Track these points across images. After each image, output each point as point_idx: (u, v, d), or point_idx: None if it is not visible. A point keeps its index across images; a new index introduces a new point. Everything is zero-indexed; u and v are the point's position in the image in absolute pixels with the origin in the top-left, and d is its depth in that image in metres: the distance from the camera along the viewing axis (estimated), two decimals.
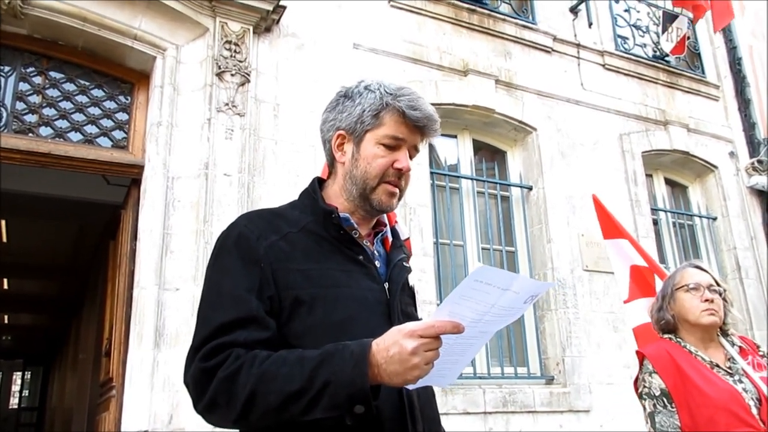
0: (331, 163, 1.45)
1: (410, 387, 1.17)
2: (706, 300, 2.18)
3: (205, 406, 1.16)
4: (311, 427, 1.15)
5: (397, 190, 1.38)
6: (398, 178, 1.37)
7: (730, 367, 2.12)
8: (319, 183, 1.46)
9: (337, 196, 1.41)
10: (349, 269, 1.31)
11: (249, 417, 1.12)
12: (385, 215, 1.48)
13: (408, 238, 1.58)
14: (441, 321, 1.09)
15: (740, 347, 2.21)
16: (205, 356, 1.16)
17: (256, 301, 1.21)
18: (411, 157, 1.39)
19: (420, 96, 1.39)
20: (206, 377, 1.15)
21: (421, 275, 4.47)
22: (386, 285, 1.35)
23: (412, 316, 1.40)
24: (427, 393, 1.37)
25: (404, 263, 1.43)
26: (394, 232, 1.50)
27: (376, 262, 1.38)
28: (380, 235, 1.46)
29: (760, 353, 2.22)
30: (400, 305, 1.34)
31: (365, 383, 1.08)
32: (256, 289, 1.22)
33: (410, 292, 1.45)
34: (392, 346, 1.08)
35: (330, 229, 1.34)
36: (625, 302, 3.62)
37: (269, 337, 1.20)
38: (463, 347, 1.17)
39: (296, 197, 1.47)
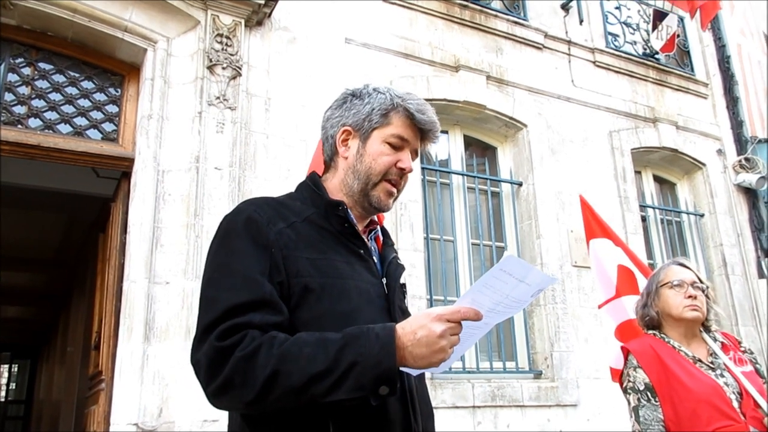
0: (331, 158, 1.47)
1: (414, 373, 1.21)
2: (690, 296, 2.23)
3: (218, 387, 1.13)
4: (322, 414, 1.16)
5: (395, 191, 1.42)
6: (399, 177, 1.41)
7: (712, 362, 2.16)
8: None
9: (336, 190, 1.43)
10: (351, 262, 1.33)
11: (267, 398, 1.11)
12: (376, 215, 1.51)
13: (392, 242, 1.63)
14: (466, 307, 1.13)
15: (722, 343, 2.25)
16: (221, 336, 1.14)
17: (268, 284, 1.21)
18: (411, 160, 1.44)
19: (426, 102, 1.44)
20: (222, 357, 1.12)
21: (412, 270, 4.49)
22: (384, 280, 1.38)
23: (406, 312, 1.44)
24: (423, 388, 1.40)
25: (398, 261, 1.47)
26: (384, 231, 1.53)
27: (374, 258, 1.41)
28: (373, 233, 1.49)
29: (742, 349, 2.27)
30: (397, 301, 1.38)
31: (393, 364, 1.10)
32: (267, 273, 1.22)
33: (402, 289, 1.48)
34: (419, 329, 1.12)
35: (333, 222, 1.36)
36: (600, 306, 3.67)
37: (282, 321, 1.20)
38: (466, 337, 1.20)
39: (288, 191, 1.48)
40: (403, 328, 1.13)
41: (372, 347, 1.10)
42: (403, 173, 1.41)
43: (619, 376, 3.46)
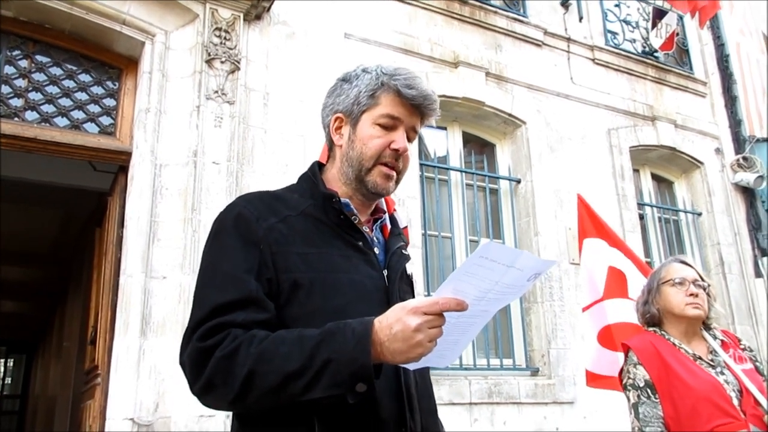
0: (330, 147, 1.43)
1: (410, 367, 1.16)
2: (691, 294, 2.22)
3: (201, 387, 1.13)
4: (307, 411, 1.14)
5: (393, 173, 1.36)
6: (395, 159, 1.35)
7: (712, 360, 2.16)
8: (318, 167, 1.44)
9: (335, 179, 1.39)
10: (349, 255, 1.29)
11: (247, 397, 1.10)
12: (383, 202, 1.46)
13: (406, 227, 1.56)
14: (445, 298, 1.07)
15: (722, 340, 2.26)
16: (203, 336, 1.14)
17: (255, 282, 1.19)
18: (410, 140, 1.37)
19: (417, 75, 1.36)
20: (203, 357, 1.12)
21: (409, 267, 4.48)
22: (385, 272, 1.33)
23: None
24: (426, 384, 1.36)
25: (403, 251, 1.42)
26: (393, 220, 1.48)
27: (375, 249, 1.36)
28: (379, 222, 1.44)
29: (742, 347, 2.27)
30: (398, 293, 1.33)
31: (368, 360, 1.06)
32: (254, 270, 1.20)
33: (408, 281, 1.43)
34: (395, 323, 1.07)
35: (330, 214, 1.32)
36: (584, 309, 3.68)
37: (268, 319, 1.18)
38: (465, 327, 1.16)
39: (286, 186, 1.45)
40: (380, 323, 1.09)
41: (347, 343, 1.07)
42: (398, 154, 1.34)
43: (593, 379, 3.50)
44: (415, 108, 1.35)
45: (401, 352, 1.07)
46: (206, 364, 1.12)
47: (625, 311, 3.43)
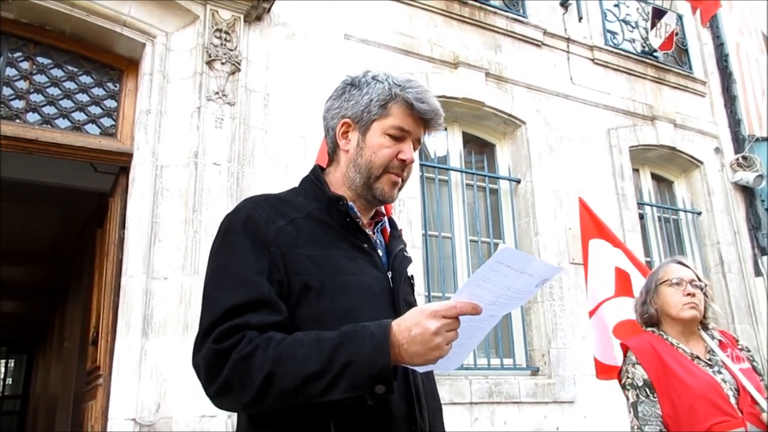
0: (334, 150, 1.44)
1: (420, 369, 1.18)
2: (688, 294, 2.25)
3: (217, 389, 1.14)
4: (322, 411, 1.15)
5: (399, 181, 1.39)
6: (402, 169, 1.38)
7: (709, 359, 2.19)
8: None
9: (339, 184, 1.41)
10: (354, 256, 1.31)
11: (264, 400, 1.11)
12: (382, 206, 1.49)
13: (400, 230, 1.59)
14: (462, 302, 1.11)
15: (719, 340, 2.28)
16: (218, 338, 1.14)
17: (267, 284, 1.20)
18: (414, 149, 1.40)
19: (427, 89, 1.40)
20: (220, 359, 1.13)
21: (410, 267, 4.49)
22: (389, 274, 1.36)
23: (413, 305, 1.40)
24: (431, 383, 1.39)
25: (404, 253, 1.44)
26: (392, 222, 1.51)
27: (378, 251, 1.39)
28: (379, 225, 1.46)
29: (739, 346, 2.29)
30: (402, 294, 1.35)
31: (387, 362, 1.08)
32: (266, 272, 1.21)
33: (409, 282, 1.46)
34: (414, 326, 1.09)
35: (336, 217, 1.34)
36: (592, 312, 3.70)
37: (281, 321, 1.19)
38: (473, 331, 1.18)
39: (286, 187, 1.46)
40: (398, 326, 1.11)
41: (366, 346, 1.09)
42: (404, 164, 1.38)
43: (604, 371, 3.52)
44: (424, 121, 1.39)
45: (419, 355, 1.09)
46: (223, 367, 1.12)
47: (631, 309, 3.47)
